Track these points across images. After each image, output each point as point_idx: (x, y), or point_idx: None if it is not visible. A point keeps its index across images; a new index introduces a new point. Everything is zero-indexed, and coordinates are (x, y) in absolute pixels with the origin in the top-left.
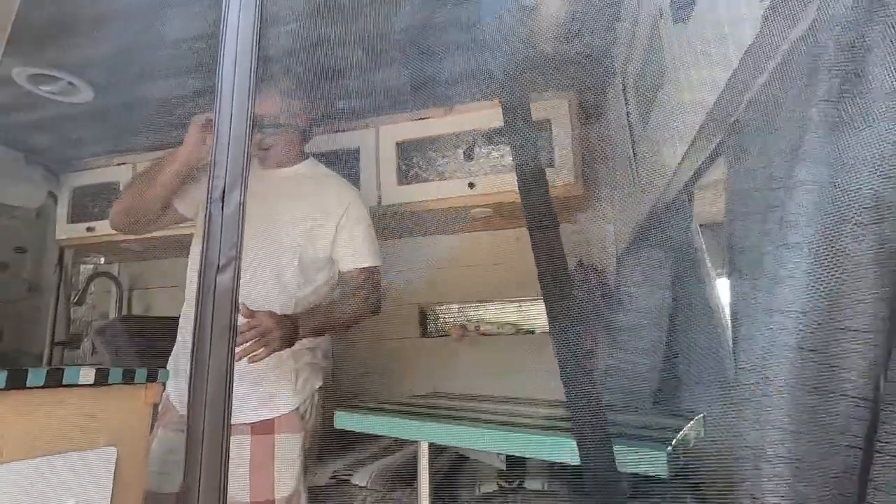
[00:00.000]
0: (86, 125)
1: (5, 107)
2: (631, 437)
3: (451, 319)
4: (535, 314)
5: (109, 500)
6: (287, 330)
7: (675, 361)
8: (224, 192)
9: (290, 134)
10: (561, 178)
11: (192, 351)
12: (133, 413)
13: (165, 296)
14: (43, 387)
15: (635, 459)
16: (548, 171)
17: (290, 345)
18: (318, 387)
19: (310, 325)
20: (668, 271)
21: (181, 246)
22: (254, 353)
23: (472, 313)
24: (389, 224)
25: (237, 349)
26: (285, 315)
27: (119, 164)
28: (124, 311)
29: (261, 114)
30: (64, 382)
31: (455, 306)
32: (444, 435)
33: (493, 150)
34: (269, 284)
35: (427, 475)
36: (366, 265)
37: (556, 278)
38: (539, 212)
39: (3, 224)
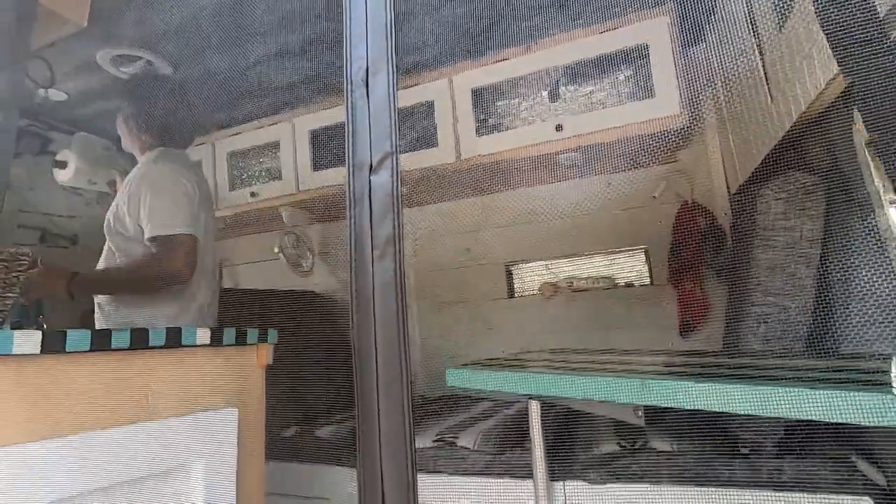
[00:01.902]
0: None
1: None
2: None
3: (541, 277)
4: (633, 265)
5: (235, 463)
6: (52, 280)
7: (835, 299)
8: (367, 74)
9: None
10: (663, 109)
11: (351, 267)
12: (248, 374)
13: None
14: (163, 347)
15: (862, 406)
16: (646, 102)
17: (64, 294)
18: None
19: (83, 282)
20: (821, 197)
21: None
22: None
23: (562, 269)
24: (469, 179)
25: None
26: (60, 269)
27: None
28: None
29: None
30: (182, 343)
31: (544, 263)
32: (586, 387)
33: (581, 86)
34: (105, 255)
35: (540, 435)
36: (152, 235)
37: None
38: None
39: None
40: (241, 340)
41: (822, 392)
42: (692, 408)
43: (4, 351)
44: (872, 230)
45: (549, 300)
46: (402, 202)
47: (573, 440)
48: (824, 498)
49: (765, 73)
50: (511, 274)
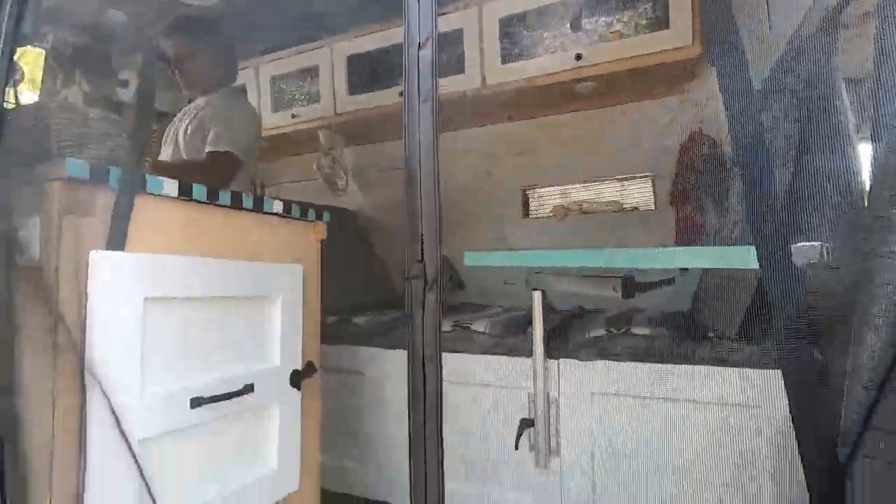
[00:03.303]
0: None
1: None
2: None
3: (554, 200)
4: (639, 191)
5: (301, 306)
6: None
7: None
8: None
9: None
10: (675, 39)
11: (405, 123)
12: (308, 243)
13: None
14: (252, 210)
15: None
16: (662, 33)
17: None
18: None
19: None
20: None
21: None
22: None
23: (574, 194)
24: (493, 106)
25: None
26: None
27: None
28: None
29: None
30: (264, 210)
31: (558, 187)
32: (571, 258)
33: (601, 17)
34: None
35: (541, 321)
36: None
37: None
38: None
39: None
40: (304, 216)
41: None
42: (640, 267)
43: (157, 191)
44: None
45: (561, 221)
46: (438, 74)
47: (569, 329)
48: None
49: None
50: (527, 196)
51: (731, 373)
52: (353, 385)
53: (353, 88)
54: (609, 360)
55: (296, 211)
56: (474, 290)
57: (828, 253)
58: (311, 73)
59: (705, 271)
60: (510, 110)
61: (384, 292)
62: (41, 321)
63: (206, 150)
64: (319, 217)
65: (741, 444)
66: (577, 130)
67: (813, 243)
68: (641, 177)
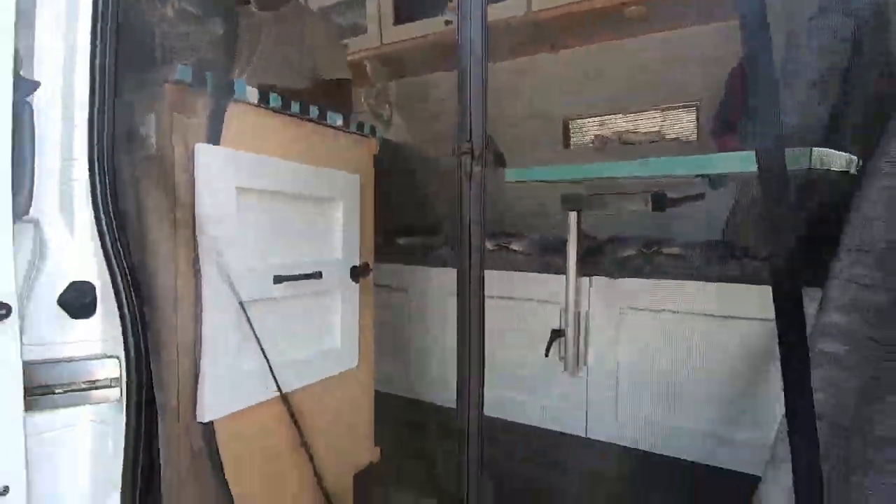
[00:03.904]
0: None
1: None
2: None
3: (595, 130)
4: (682, 121)
5: (358, 211)
6: None
7: None
8: None
9: None
10: None
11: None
12: (362, 157)
13: None
14: (317, 121)
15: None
16: None
17: None
18: None
19: None
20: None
21: None
22: None
23: (615, 124)
24: (537, 34)
25: None
26: None
27: None
28: None
29: None
30: (328, 121)
31: (599, 118)
32: (606, 169)
33: None
34: None
35: (575, 240)
36: None
37: None
38: None
39: None
40: (360, 130)
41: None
42: (672, 173)
43: (242, 97)
44: None
45: (600, 151)
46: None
47: (600, 249)
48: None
49: None
50: (568, 127)
51: (761, 290)
52: (397, 300)
53: (399, 18)
54: (640, 277)
55: (353, 124)
56: (509, 220)
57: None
58: (357, 2)
59: (739, 189)
60: (554, 38)
61: (424, 217)
62: (161, 200)
63: (330, 76)
64: (373, 133)
65: (768, 357)
66: (622, 59)
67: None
68: (685, 106)
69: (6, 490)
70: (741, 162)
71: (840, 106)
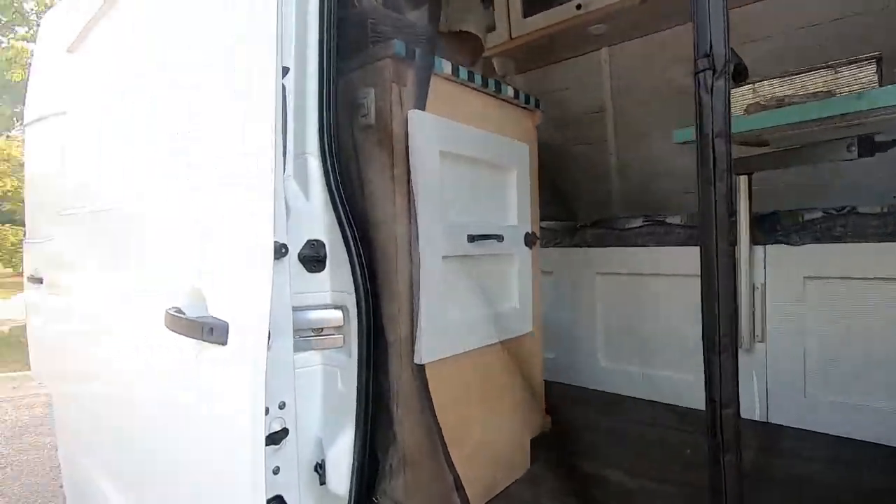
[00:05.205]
0: None
1: None
2: None
3: (748, 100)
4: (858, 77)
5: (529, 179)
6: None
7: None
8: None
9: None
10: None
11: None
12: (528, 128)
13: None
14: (492, 93)
15: None
16: None
17: None
18: None
19: None
20: None
21: None
22: None
23: (770, 86)
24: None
25: None
26: None
27: None
28: None
29: None
30: (502, 94)
31: (751, 83)
32: (803, 112)
33: None
34: None
35: (747, 205)
36: None
37: None
38: None
39: None
40: (527, 102)
41: None
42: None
43: (438, 71)
44: None
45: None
46: None
47: (777, 213)
48: None
49: None
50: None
51: None
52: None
53: (528, 10)
54: (827, 243)
55: (522, 96)
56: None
57: None
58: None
59: None
60: None
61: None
62: (383, 159)
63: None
64: (537, 105)
65: None
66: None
67: None
68: (864, 59)
69: (283, 405)
70: None
71: None
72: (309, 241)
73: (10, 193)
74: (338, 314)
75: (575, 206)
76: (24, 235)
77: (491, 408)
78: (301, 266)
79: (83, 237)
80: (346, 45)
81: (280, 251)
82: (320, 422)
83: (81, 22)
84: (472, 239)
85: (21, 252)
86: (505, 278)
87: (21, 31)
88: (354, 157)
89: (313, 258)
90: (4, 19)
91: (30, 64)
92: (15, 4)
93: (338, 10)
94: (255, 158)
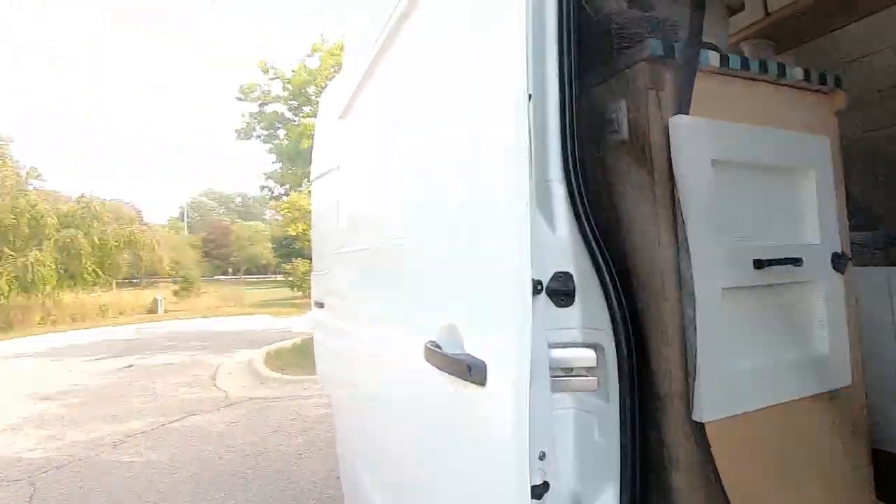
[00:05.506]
0: None
1: None
2: None
3: None
4: None
5: (833, 182)
6: None
7: None
8: None
9: None
10: None
11: None
12: (824, 116)
13: None
14: (773, 80)
15: None
16: None
17: None
18: None
19: None
20: None
21: None
22: None
23: None
24: None
25: None
26: None
27: None
28: None
29: None
30: (787, 79)
31: None
32: None
33: None
34: None
35: None
36: None
37: None
38: None
39: None
40: (822, 82)
41: None
42: None
43: (705, 65)
44: None
45: None
46: None
47: None
48: None
49: None
50: None
51: None
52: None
53: None
54: None
55: (814, 77)
56: None
57: None
58: None
59: None
60: None
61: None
62: (641, 178)
63: None
64: (837, 84)
65: None
66: None
67: None
68: None
69: (543, 455)
70: None
71: None
72: (556, 274)
73: (301, 234)
74: (590, 353)
75: (877, 212)
76: (311, 268)
77: (795, 484)
78: (549, 300)
79: (355, 271)
80: (586, 60)
81: (535, 288)
82: (575, 474)
83: (348, 94)
84: (759, 265)
85: (309, 279)
86: (807, 313)
87: (306, 109)
88: (604, 179)
89: (562, 292)
90: (297, 103)
91: (313, 134)
92: (301, 90)
93: (577, 27)
94: (504, 193)
